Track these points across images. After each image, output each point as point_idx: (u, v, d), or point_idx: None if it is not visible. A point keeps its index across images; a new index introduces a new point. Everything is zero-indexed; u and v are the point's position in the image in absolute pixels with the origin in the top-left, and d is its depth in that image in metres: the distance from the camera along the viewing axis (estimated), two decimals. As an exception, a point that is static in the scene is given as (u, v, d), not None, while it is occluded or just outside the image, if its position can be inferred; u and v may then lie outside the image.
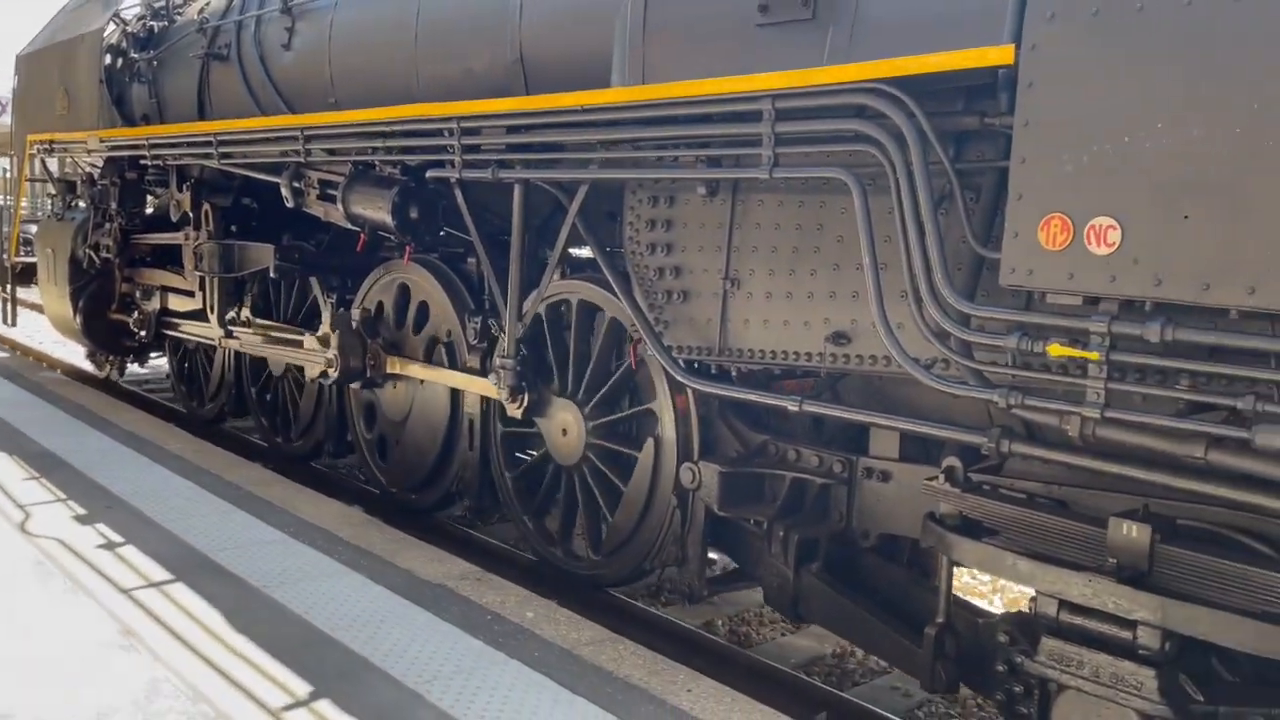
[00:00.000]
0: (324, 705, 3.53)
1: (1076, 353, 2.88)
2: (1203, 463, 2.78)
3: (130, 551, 4.91)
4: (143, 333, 8.63)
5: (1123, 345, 2.82)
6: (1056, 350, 2.92)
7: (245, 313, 7.65)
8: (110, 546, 4.97)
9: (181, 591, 4.45)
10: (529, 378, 5.25)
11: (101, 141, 8.36)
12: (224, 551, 4.99)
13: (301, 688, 3.65)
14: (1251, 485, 2.80)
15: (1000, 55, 3.02)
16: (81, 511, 5.48)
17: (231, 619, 4.18)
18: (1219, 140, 2.59)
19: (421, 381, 6.24)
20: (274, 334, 7.33)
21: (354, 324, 6.40)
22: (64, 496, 5.74)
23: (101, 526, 5.25)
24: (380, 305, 6.51)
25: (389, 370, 6.36)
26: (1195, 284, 2.65)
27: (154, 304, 8.50)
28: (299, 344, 6.90)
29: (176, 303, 8.36)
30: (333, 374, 6.37)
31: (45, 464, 6.39)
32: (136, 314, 8.64)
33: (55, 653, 3.81)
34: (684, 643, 4.94)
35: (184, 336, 8.35)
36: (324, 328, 6.53)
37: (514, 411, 5.27)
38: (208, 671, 3.74)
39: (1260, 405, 2.61)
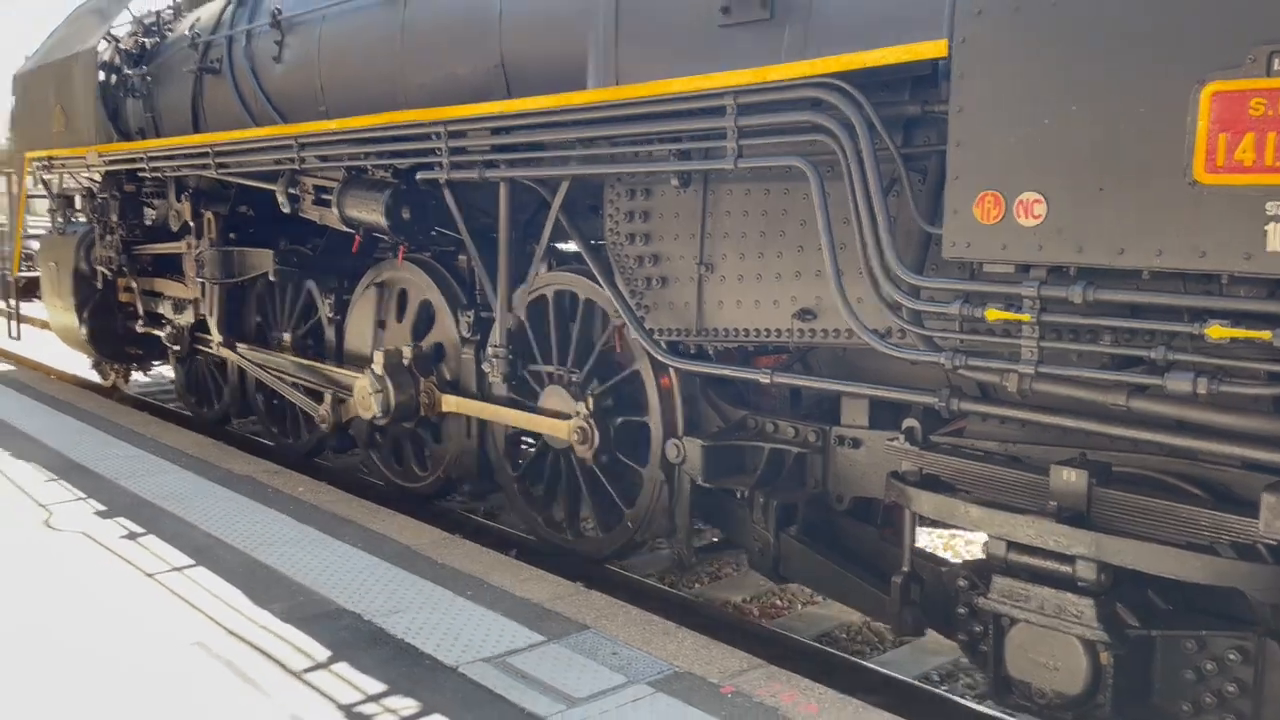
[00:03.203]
0: (148, 540, 5.42)
1: (1011, 315, 3.19)
2: (1125, 409, 3.09)
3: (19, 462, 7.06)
4: (176, 346, 8.62)
5: (1051, 307, 3.13)
6: (993, 314, 3.23)
7: (285, 337, 7.63)
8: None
9: (56, 481, 6.54)
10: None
11: (100, 156, 8.64)
12: (92, 461, 7.07)
13: (132, 527, 5.61)
14: (1170, 429, 3.11)
15: (935, 49, 3.32)
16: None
17: (87, 495, 6.21)
18: (1126, 120, 2.89)
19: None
20: (322, 372, 7.13)
21: (406, 361, 6.31)
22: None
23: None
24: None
25: (444, 409, 6.18)
26: (1111, 249, 2.95)
27: (188, 317, 8.52)
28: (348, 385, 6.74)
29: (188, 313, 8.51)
30: (378, 416, 6.28)
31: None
32: (169, 329, 8.64)
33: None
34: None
35: (209, 351, 8.36)
36: (377, 367, 6.30)
37: (584, 454, 5.31)
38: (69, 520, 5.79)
39: (1170, 355, 2.92)
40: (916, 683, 4.67)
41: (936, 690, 4.63)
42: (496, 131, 5.16)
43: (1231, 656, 3.17)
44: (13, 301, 10.76)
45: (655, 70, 4.42)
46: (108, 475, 6.65)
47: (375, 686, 3.78)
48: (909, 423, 3.90)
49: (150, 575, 4.89)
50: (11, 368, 11.34)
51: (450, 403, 6.13)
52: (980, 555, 3.70)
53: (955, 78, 3.25)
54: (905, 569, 3.91)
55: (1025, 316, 3.15)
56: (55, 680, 3.82)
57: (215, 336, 7.97)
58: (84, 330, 9.44)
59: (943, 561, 4.10)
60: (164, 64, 8.64)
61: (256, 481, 6.62)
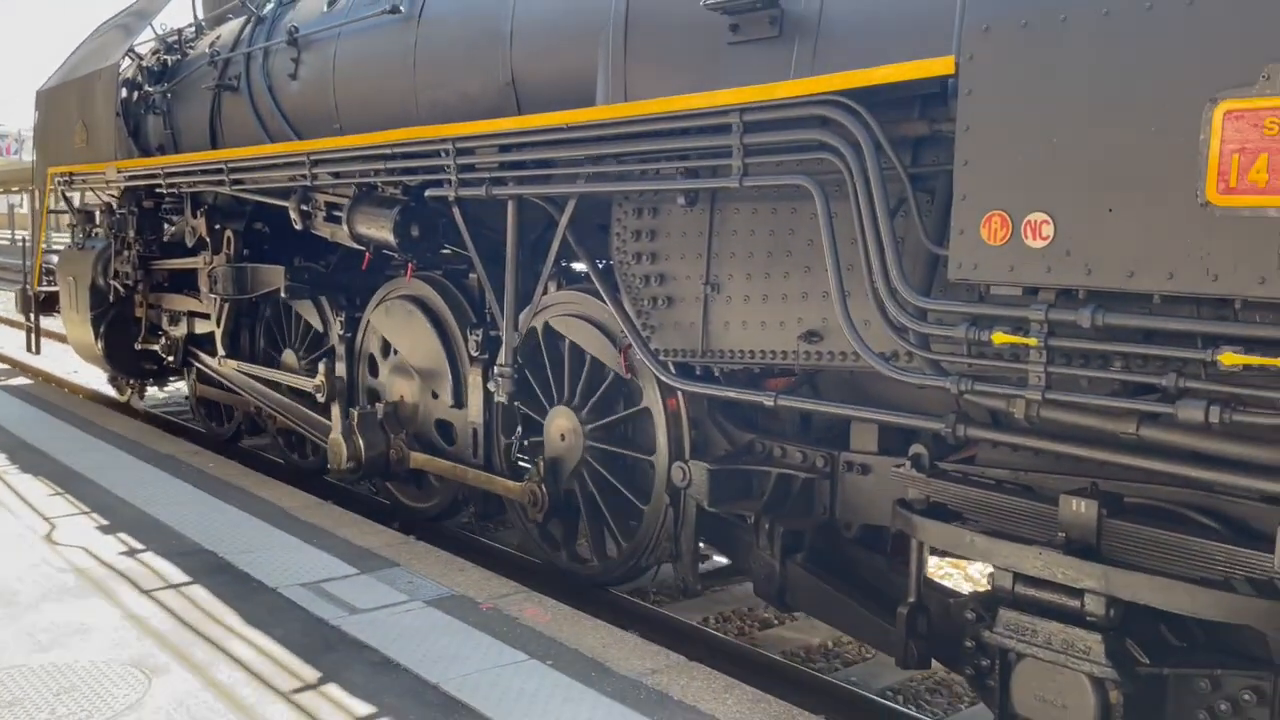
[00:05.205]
0: (64, 498, 6.45)
1: (1017, 339, 3.09)
2: (1135, 438, 2.98)
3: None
4: (170, 358, 8.76)
5: (1059, 331, 3.04)
6: (1000, 338, 3.14)
7: (291, 355, 7.84)
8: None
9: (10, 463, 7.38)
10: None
11: (119, 172, 8.69)
12: (41, 441, 8.03)
13: (55, 489, 6.67)
14: (1184, 459, 3.00)
15: (942, 66, 3.25)
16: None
17: (49, 482, 6.91)
18: (1136, 139, 2.80)
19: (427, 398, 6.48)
20: (295, 416, 7.43)
21: (379, 418, 6.51)
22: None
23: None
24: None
25: (413, 465, 6.41)
26: (1121, 272, 2.86)
27: (181, 329, 8.64)
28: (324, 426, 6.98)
29: (199, 327, 8.59)
30: (345, 466, 6.50)
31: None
32: (164, 340, 8.77)
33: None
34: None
35: (203, 365, 8.51)
36: (351, 422, 6.52)
37: (535, 516, 5.53)
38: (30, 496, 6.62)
39: (1182, 382, 2.81)
40: (670, 614, 5.47)
41: (684, 620, 5.47)
42: (505, 149, 5.12)
43: (1246, 696, 3.04)
44: (33, 316, 10.82)
45: (664, 87, 4.38)
46: (49, 452, 7.75)
47: (205, 598, 4.80)
48: (916, 449, 3.80)
49: (53, 524, 5.94)
50: (28, 381, 11.42)
51: (419, 460, 6.38)
52: (988, 587, 3.59)
53: (963, 95, 3.17)
54: (911, 600, 3.80)
55: (1033, 340, 3.06)
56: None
57: (220, 352, 7.97)
58: (99, 345, 9.47)
59: (952, 592, 3.99)
60: (184, 81, 8.70)
61: (175, 459, 7.67)
